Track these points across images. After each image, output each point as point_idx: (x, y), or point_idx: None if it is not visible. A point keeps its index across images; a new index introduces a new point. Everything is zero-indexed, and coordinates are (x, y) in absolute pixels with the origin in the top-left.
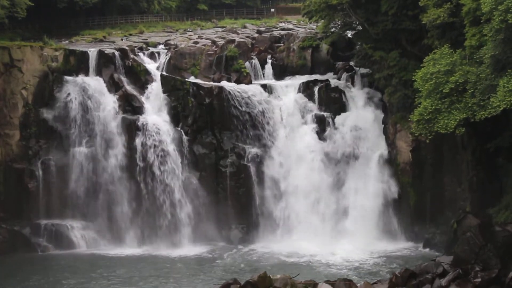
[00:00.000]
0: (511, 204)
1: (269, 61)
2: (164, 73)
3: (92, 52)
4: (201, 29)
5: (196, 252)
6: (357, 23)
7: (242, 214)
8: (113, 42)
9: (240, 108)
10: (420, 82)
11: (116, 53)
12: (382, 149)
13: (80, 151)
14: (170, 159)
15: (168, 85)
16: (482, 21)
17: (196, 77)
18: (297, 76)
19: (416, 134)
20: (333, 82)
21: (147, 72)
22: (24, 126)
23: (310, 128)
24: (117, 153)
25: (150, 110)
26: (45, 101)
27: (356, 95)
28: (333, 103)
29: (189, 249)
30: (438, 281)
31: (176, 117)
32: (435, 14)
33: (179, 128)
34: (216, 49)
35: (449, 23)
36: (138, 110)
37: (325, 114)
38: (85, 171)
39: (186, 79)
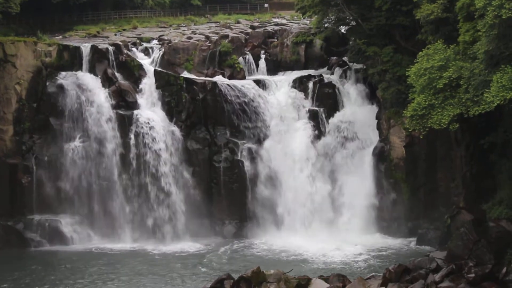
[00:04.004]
0: (504, 200)
1: (263, 56)
2: (157, 68)
3: (86, 47)
4: (194, 25)
5: (190, 247)
6: (351, 18)
7: (235, 209)
8: (107, 37)
9: (233, 103)
10: (413, 77)
11: (110, 48)
12: (375, 144)
13: (74, 146)
14: (163, 154)
15: (162, 80)
16: (475, 17)
17: (189, 72)
18: (290, 71)
19: (409, 130)
20: (327, 77)
21: (140, 68)
22: (17, 121)
23: (303, 123)
24: (111, 148)
25: (144, 105)
26: (39, 96)
27: (350, 91)
28: (326, 98)
29: (182, 244)
30: (432, 276)
31: (169, 113)
32: (429, 9)
33: (172, 124)
34: (209, 44)
35: (443, 19)
36: (131, 105)
37: (319, 109)
38: (78, 166)
39: (179, 75)
